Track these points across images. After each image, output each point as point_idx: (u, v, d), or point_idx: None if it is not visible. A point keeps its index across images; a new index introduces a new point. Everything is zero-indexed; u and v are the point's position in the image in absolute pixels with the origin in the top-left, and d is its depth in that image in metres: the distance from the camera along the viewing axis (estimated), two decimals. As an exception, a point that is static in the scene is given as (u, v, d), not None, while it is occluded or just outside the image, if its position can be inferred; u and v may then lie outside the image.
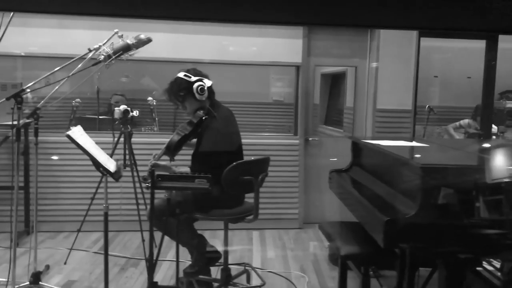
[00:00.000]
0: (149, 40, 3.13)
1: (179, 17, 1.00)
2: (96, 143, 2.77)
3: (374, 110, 5.01)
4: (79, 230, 3.98)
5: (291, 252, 4.27)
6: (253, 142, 4.86)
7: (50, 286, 3.29)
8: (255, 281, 3.50)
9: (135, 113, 3.84)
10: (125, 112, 3.76)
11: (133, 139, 3.92)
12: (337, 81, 6.43)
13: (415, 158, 2.66)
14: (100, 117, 5.24)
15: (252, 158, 3.10)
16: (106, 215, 2.65)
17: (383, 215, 2.35)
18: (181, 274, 3.04)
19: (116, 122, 3.84)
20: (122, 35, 3.10)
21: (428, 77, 5.94)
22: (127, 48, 3.08)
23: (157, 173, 2.41)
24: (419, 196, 2.27)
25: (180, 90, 2.93)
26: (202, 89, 2.92)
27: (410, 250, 2.40)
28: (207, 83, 2.96)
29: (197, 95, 2.92)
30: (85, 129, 2.79)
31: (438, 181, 2.28)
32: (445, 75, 6.19)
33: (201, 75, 2.99)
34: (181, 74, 2.97)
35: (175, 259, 2.72)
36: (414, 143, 3.22)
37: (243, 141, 3.18)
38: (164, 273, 3.65)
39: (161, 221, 2.84)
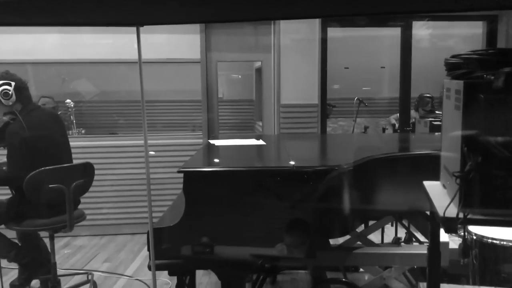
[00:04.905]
0: None
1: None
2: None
3: (279, 106, 4.81)
4: None
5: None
6: (156, 143, 4.70)
7: None
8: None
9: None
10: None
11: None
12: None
13: (188, 162, 2.48)
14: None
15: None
16: None
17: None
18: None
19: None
20: None
21: (338, 68, 5.69)
22: None
23: None
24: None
25: None
26: (7, 94, 2.80)
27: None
28: (14, 87, 2.83)
29: (2, 100, 2.79)
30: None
31: (200, 186, 2.10)
32: (357, 66, 5.93)
33: (11, 78, 2.85)
34: None
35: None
36: (260, 142, 3.02)
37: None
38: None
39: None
